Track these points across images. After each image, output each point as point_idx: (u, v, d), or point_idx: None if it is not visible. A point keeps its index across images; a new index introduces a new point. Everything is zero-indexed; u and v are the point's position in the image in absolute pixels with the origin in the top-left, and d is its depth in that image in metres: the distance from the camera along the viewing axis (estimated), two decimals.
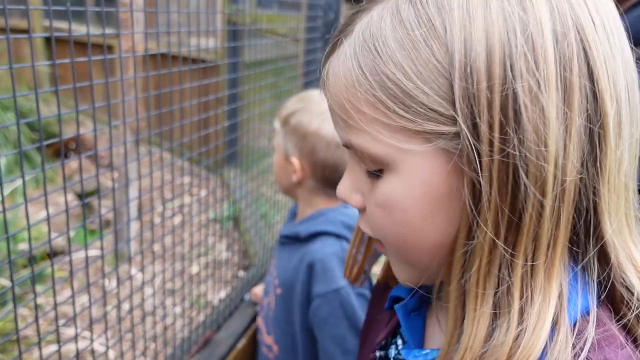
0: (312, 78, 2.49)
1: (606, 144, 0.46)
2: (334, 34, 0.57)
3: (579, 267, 0.50)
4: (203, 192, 3.11)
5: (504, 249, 0.47)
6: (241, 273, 2.89)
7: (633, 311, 0.49)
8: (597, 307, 0.49)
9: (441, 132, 0.47)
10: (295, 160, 1.36)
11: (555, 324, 0.47)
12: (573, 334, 0.47)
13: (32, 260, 1.16)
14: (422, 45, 0.47)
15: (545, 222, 0.46)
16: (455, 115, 0.46)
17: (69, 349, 2.15)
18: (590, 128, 0.46)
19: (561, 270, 0.48)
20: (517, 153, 0.45)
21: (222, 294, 2.50)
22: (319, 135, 1.32)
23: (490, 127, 0.45)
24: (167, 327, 1.80)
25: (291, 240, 1.42)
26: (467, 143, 0.46)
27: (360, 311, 1.26)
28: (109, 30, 1.23)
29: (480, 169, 0.46)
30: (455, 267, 0.51)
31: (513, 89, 0.44)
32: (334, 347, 1.26)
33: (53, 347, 2.18)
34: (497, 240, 0.47)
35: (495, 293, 0.48)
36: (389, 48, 0.49)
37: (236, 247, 3.22)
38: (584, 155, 0.46)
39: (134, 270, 2.72)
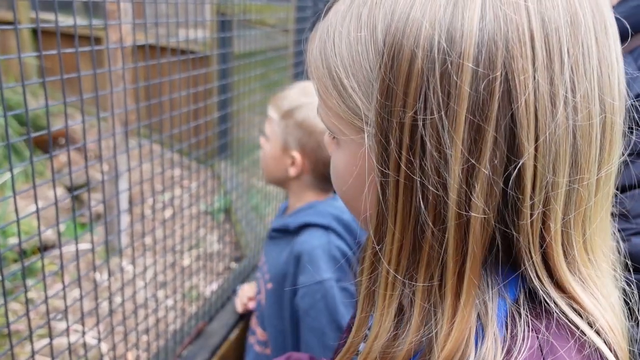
0: (302, 69, 2.48)
1: (522, 189, 0.45)
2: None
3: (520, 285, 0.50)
4: (194, 184, 3.10)
5: (395, 269, 0.50)
6: (233, 265, 2.89)
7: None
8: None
9: (365, 130, 0.50)
10: (297, 155, 1.34)
11: (482, 336, 0.47)
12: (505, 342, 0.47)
13: (22, 254, 1.16)
14: (362, 48, 0.49)
15: (450, 251, 0.47)
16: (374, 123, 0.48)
17: (61, 342, 2.15)
18: (508, 172, 0.44)
19: (473, 293, 0.48)
20: (419, 178, 0.46)
21: (214, 285, 2.50)
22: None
23: (399, 146, 0.46)
24: (160, 320, 1.80)
25: (281, 234, 1.42)
26: (378, 153, 0.48)
27: (342, 306, 1.25)
28: (96, 22, 1.22)
29: (387, 185, 0.48)
30: (366, 264, 0.54)
31: (423, 119, 0.45)
32: (313, 340, 1.26)
33: (44, 341, 2.18)
34: (396, 253, 0.50)
35: (399, 300, 0.51)
36: (340, 42, 0.51)
37: (228, 239, 3.21)
38: (495, 195, 0.45)
39: (125, 263, 2.71)
